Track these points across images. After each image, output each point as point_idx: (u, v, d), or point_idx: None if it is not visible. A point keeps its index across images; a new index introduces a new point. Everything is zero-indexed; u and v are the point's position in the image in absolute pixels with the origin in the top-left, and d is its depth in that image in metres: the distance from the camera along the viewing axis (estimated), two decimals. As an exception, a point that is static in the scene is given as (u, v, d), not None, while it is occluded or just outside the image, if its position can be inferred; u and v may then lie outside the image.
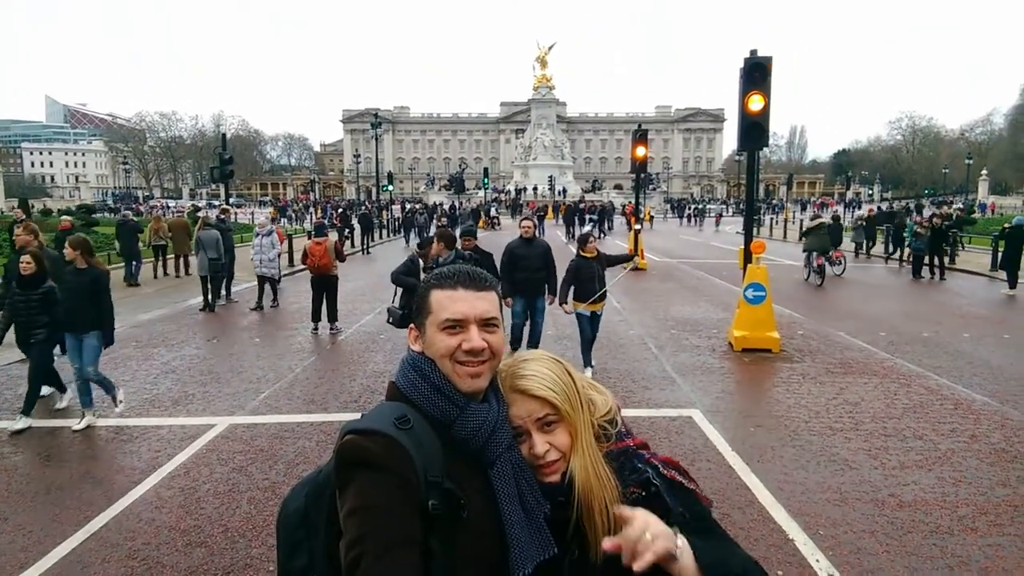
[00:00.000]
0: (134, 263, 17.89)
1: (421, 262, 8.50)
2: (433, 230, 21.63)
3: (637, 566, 1.16)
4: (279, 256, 14.32)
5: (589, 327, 8.80)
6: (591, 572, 1.34)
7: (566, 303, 8.74)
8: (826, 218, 21.64)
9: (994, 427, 6.89)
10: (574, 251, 9.04)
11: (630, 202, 50.08)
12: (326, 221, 21.96)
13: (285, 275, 19.22)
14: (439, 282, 1.46)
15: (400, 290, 8.33)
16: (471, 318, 1.41)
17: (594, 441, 1.42)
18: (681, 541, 1.21)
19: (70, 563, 4.39)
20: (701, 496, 1.42)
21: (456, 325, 1.41)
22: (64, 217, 21.67)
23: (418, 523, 1.26)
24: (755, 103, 9.74)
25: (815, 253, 18.29)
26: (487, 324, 1.43)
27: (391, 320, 8.23)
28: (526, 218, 10.03)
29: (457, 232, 9.12)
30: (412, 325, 1.52)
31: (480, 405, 1.40)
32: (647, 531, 1.18)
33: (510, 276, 9.00)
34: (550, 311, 9.59)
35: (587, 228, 39.45)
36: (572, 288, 8.71)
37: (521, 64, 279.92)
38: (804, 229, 19.92)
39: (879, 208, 41.64)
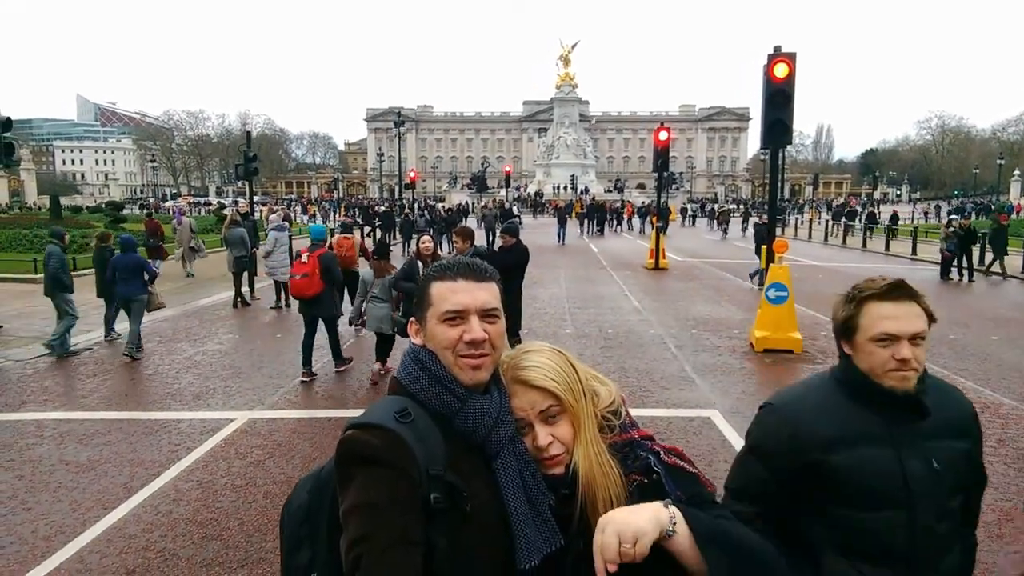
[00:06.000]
0: None
1: (420, 265, 8.16)
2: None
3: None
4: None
5: None
6: None
7: None
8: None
9: (1023, 431, 6.73)
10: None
11: (629, 202, 49.84)
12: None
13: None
14: (439, 274, 1.45)
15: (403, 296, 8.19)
16: (472, 309, 1.39)
17: (598, 432, 1.41)
18: (673, 511, 1.24)
19: (89, 552, 4.45)
20: (704, 480, 1.41)
21: (457, 316, 1.39)
22: None
23: (420, 519, 1.24)
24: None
25: None
26: (488, 315, 1.41)
27: (395, 329, 8.23)
28: None
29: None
30: (412, 319, 1.50)
31: (482, 397, 1.38)
32: (620, 536, 1.20)
33: None
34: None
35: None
36: None
37: (544, 62, 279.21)
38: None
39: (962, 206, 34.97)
